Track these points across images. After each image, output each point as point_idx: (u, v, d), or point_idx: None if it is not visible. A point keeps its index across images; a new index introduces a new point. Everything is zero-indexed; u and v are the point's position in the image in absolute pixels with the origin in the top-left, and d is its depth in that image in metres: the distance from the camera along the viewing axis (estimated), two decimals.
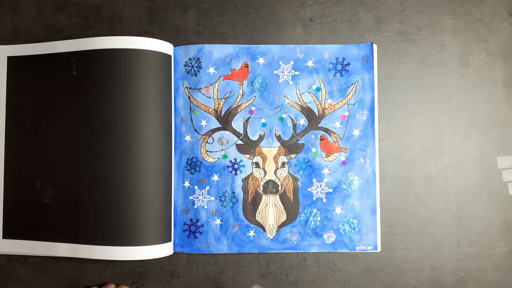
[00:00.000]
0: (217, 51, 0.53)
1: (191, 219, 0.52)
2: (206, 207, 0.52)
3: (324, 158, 0.53)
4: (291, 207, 0.52)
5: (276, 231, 0.52)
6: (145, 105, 0.49)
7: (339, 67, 0.52)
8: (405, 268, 0.52)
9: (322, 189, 0.52)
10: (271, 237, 0.52)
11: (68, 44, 0.50)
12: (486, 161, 0.52)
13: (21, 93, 0.51)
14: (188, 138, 0.53)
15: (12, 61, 0.52)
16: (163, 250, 0.50)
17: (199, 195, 0.52)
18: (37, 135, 0.51)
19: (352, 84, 0.52)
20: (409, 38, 0.53)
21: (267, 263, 0.52)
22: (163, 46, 0.51)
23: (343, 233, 0.52)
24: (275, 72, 0.53)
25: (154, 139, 0.50)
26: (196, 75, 0.53)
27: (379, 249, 0.52)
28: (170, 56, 0.52)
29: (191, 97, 0.53)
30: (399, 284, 0.52)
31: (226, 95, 0.53)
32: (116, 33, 0.53)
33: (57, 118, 0.50)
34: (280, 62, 0.53)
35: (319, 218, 0.52)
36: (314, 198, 0.52)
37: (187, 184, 0.52)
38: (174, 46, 0.52)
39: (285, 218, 0.52)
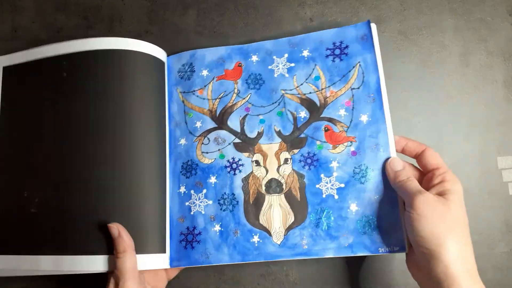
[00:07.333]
0: (210, 54, 0.52)
1: (187, 227, 0.47)
2: (203, 212, 0.47)
3: (331, 150, 0.47)
4: (299, 206, 0.46)
5: (284, 235, 0.46)
6: (139, 109, 0.47)
7: (337, 51, 0.49)
8: (405, 268, 0.44)
9: (332, 185, 0.46)
10: (279, 242, 0.46)
11: (59, 47, 0.50)
12: (486, 161, 0.51)
13: (13, 101, 0.51)
14: (183, 141, 0.50)
15: (5, 71, 0.52)
16: (157, 261, 0.45)
17: (196, 199, 0.48)
18: (27, 141, 0.50)
19: (353, 67, 0.48)
20: (409, 38, 0.52)
21: (267, 263, 0.49)
22: (157, 51, 0.50)
23: (362, 233, 0.45)
24: (270, 67, 0.50)
25: (148, 144, 0.47)
26: (189, 79, 0.51)
27: (407, 250, 0.43)
28: (164, 62, 0.51)
29: (185, 100, 0.51)
30: (399, 284, 0.48)
31: (221, 95, 0.50)
32: (116, 33, 0.53)
33: (48, 123, 0.49)
34: (274, 57, 0.51)
35: (332, 218, 0.46)
36: (324, 196, 0.46)
37: (182, 189, 0.48)
38: (167, 56, 0.52)
39: (293, 220, 0.46)
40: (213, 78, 0.51)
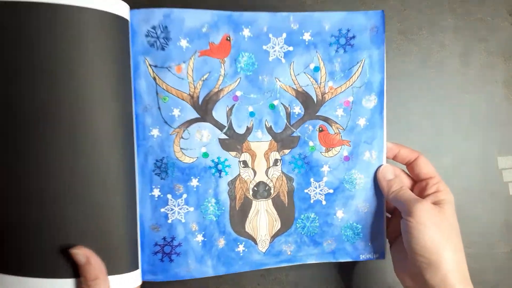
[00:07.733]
0: (191, 18, 0.40)
1: (164, 238, 0.41)
2: (183, 220, 0.41)
3: (323, 154, 0.44)
4: (286, 212, 0.43)
5: (270, 242, 0.43)
6: (95, 86, 0.36)
7: (342, 40, 0.43)
8: None
9: (321, 190, 0.44)
10: (264, 251, 0.43)
11: None
12: (486, 161, 0.51)
13: None
14: (155, 132, 0.40)
15: None
16: (130, 280, 0.38)
17: (174, 206, 0.41)
18: None
19: (358, 62, 0.43)
20: (409, 38, 0.51)
21: None
22: (116, 6, 0.37)
23: (345, 240, 0.45)
24: (264, 47, 0.42)
25: (112, 133, 0.37)
26: (163, 49, 0.40)
27: (386, 257, 0.45)
28: (127, 20, 0.38)
29: (157, 77, 0.40)
30: (399, 284, 0.48)
31: (204, 76, 0.41)
32: None
33: None
34: (270, 35, 0.42)
35: (317, 224, 0.44)
36: (312, 201, 0.44)
37: (156, 192, 0.40)
38: (131, 9, 0.39)
39: (279, 227, 0.43)
40: (195, 53, 0.41)
